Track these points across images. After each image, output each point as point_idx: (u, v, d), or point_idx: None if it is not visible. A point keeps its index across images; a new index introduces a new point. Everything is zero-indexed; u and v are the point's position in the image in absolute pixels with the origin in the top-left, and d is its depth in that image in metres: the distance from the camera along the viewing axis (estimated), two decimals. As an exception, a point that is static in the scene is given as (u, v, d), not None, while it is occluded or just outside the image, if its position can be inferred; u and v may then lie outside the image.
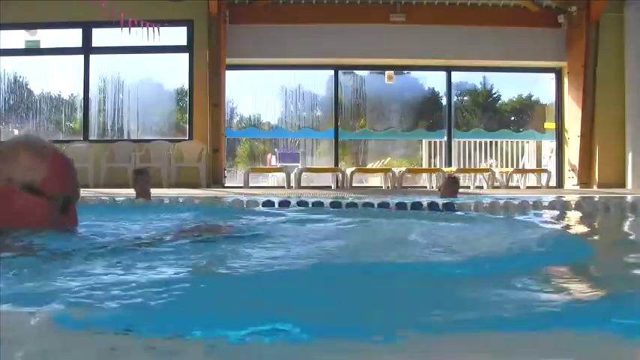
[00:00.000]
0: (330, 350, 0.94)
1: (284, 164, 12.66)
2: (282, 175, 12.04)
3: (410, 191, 9.62)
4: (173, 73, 12.66)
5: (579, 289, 1.56)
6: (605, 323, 1.04)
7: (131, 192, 5.86)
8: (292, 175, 11.57)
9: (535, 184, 12.56)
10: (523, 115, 15.52)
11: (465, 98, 15.53)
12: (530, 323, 1.06)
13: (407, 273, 1.51)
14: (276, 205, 4.73)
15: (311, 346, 0.96)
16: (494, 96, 15.79)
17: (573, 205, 4.96)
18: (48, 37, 12.32)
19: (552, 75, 13.04)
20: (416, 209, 4.63)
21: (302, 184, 11.63)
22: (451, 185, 4.82)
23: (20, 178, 1.86)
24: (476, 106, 15.51)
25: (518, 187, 12.12)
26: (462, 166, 13.03)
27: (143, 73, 12.91)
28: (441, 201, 4.76)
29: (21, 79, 13.05)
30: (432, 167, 12.95)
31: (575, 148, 12.15)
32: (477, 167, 13.05)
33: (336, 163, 12.73)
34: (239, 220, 3.05)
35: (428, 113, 14.96)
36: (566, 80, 12.53)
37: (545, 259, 1.80)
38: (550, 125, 13.37)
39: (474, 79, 15.01)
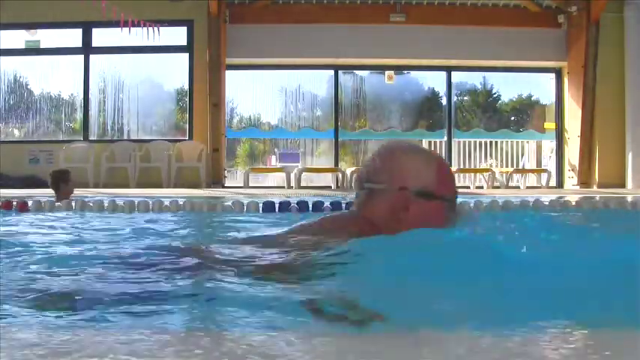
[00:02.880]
0: None
1: (284, 164, 12.64)
2: (282, 175, 12.03)
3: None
4: (173, 73, 12.66)
5: None
6: None
7: (132, 192, 5.85)
8: (292, 175, 11.57)
9: (535, 184, 12.56)
10: (523, 115, 15.49)
11: (465, 98, 15.48)
12: None
13: None
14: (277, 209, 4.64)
15: None
16: (495, 96, 15.74)
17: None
18: (48, 37, 12.32)
19: (552, 75, 13.04)
20: None
21: (302, 184, 11.63)
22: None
23: (413, 185, 1.88)
24: (476, 106, 15.46)
25: (518, 187, 12.12)
26: (462, 166, 13.03)
27: (143, 73, 12.91)
28: None
29: (21, 79, 13.05)
30: (432, 167, 12.90)
31: (575, 148, 12.14)
32: (477, 167, 13.04)
33: (336, 163, 12.73)
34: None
35: (428, 113, 14.94)
36: (566, 80, 12.53)
37: None
38: (550, 125, 13.37)
39: (474, 79, 14.97)
